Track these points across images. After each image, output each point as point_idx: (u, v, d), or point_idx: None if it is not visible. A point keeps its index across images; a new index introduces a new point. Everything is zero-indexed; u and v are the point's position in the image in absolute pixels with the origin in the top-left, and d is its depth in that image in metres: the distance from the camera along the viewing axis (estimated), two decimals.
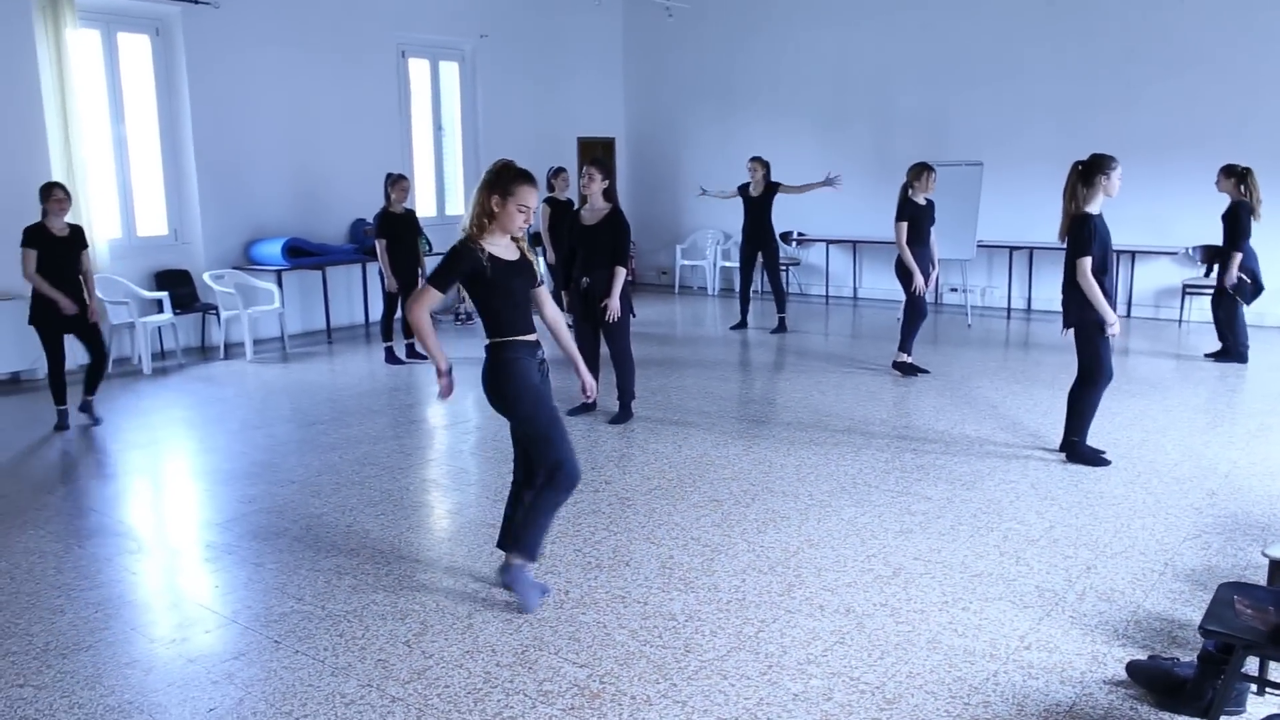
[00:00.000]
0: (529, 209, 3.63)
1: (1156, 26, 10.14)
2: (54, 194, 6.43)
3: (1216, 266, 8.39)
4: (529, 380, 3.70)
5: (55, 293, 6.37)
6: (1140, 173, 9.73)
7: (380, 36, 10.70)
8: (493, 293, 3.64)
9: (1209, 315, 9.74)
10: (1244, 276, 8.10)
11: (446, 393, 3.72)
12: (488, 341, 3.73)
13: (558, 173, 9.35)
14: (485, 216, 3.60)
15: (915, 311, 7.76)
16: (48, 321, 6.47)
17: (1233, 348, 8.28)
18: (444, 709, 3.13)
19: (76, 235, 6.57)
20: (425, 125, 11.64)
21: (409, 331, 8.76)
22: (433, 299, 3.64)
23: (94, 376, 6.77)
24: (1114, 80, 10.41)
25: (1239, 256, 8.03)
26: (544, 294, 3.89)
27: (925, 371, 7.92)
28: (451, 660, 3.44)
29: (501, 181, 3.60)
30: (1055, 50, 10.69)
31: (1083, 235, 5.21)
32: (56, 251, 6.43)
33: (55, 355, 6.57)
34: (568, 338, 4.01)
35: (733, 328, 10.24)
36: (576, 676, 3.32)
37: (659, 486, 5.27)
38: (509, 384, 3.69)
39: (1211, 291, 8.50)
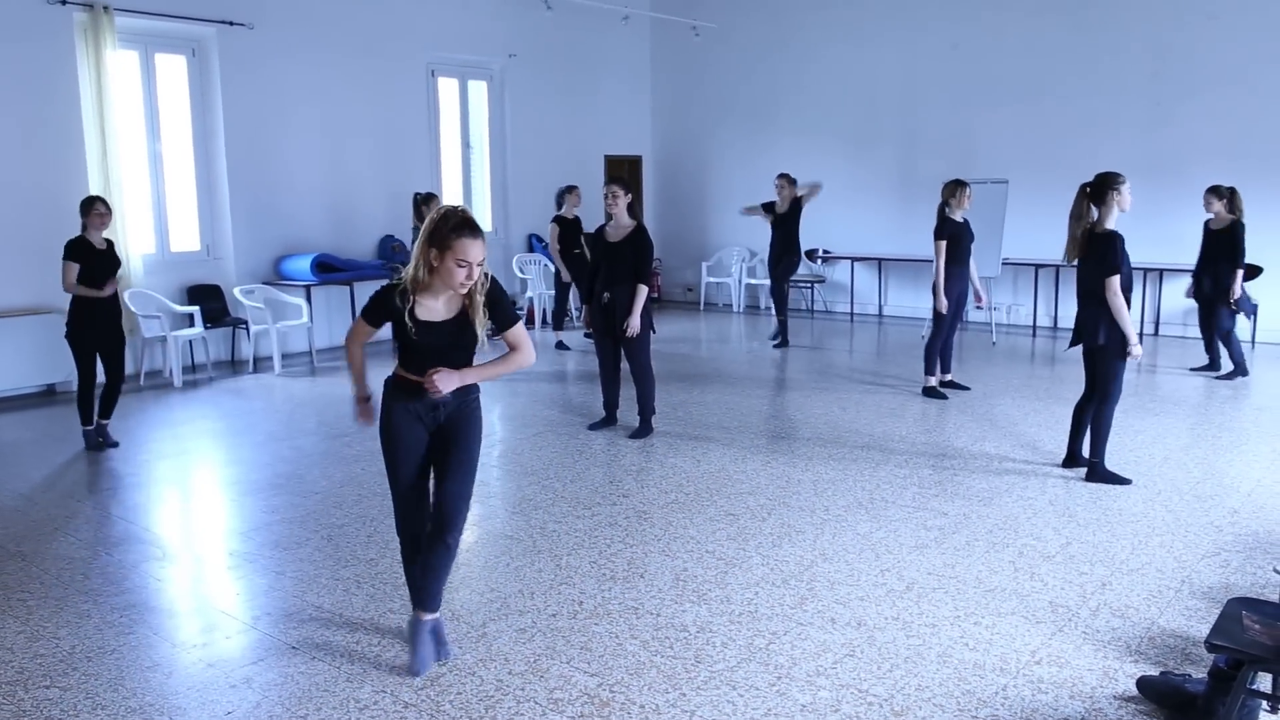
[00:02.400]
0: (469, 263, 3.21)
1: (1183, 45, 10.09)
2: (95, 208, 6.36)
3: (1198, 284, 8.48)
4: (392, 421, 3.45)
5: (94, 291, 6.33)
6: (1167, 191, 9.71)
7: (410, 56, 10.87)
8: (410, 346, 3.37)
9: (1240, 334, 9.70)
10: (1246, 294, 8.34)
11: (363, 417, 3.58)
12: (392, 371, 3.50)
13: (568, 190, 9.48)
14: (425, 270, 3.25)
15: (938, 333, 7.67)
16: (81, 338, 6.44)
17: (1239, 361, 8.36)
18: (456, 715, 3.18)
19: (112, 250, 6.53)
20: (454, 143, 11.80)
21: None
22: (364, 333, 3.48)
23: (109, 399, 6.63)
24: (1140, 99, 10.37)
25: (1241, 273, 8.22)
26: (514, 335, 3.49)
27: (956, 390, 7.86)
28: (464, 668, 3.49)
29: (438, 234, 3.20)
30: (1081, 69, 10.67)
31: (1111, 253, 5.18)
32: (96, 265, 6.38)
33: (87, 373, 6.48)
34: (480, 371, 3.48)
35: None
36: (587, 685, 3.36)
37: (676, 500, 5.30)
38: (381, 416, 3.51)
39: (1202, 310, 8.57)
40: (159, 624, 3.91)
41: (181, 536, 5.05)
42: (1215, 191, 8.34)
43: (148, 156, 9.18)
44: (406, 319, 3.31)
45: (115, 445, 6.61)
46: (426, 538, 3.48)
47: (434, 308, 3.35)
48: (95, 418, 6.58)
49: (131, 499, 5.59)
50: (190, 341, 9.10)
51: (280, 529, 4.97)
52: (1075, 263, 5.43)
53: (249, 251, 9.65)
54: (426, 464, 3.52)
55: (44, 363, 8.09)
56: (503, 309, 3.45)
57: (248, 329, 9.29)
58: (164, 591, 4.25)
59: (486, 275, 3.36)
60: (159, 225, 9.30)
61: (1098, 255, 5.24)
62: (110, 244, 6.58)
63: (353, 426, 7.05)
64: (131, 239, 8.65)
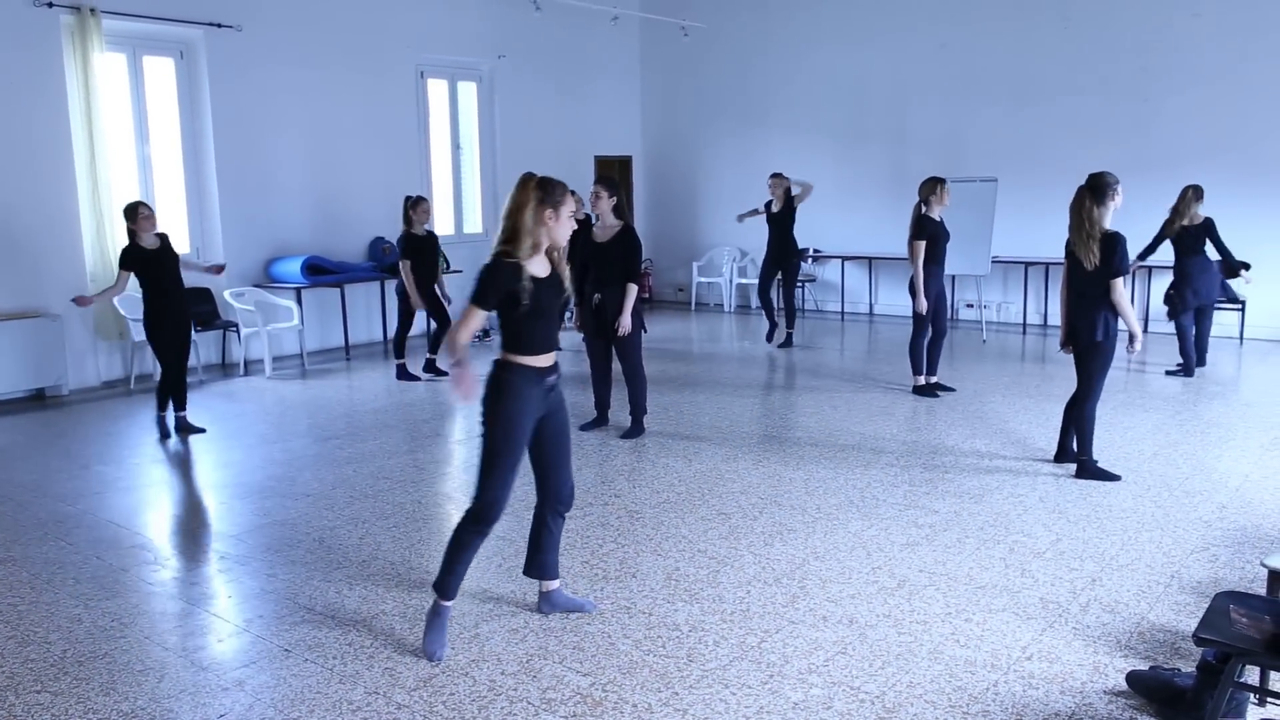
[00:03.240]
0: (574, 216, 3.67)
1: (1170, 43, 10.14)
2: (140, 211, 6.67)
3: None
4: (514, 409, 3.53)
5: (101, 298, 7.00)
6: (1155, 189, 9.71)
7: (399, 57, 10.86)
8: (529, 312, 3.51)
9: (1227, 330, 9.80)
10: (1171, 292, 8.40)
11: (463, 387, 3.48)
12: (500, 356, 3.58)
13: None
14: (540, 229, 3.51)
15: (919, 333, 7.65)
16: (159, 334, 6.78)
17: (1185, 359, 8.50)
18: (449, 716, 3.18)
19: (166, 246, 6.82)
20: (444, 144, 11.79)
21: (433, 347, 8.89)
22: (479, 320, 3.56)
23: (178, 392, 6.98)
24: (1129, 97, 10.42)
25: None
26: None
27: (950, 389, 7.88)
28: (457, 669, 3.49)
29: (552, 195, 3.53)
30: (1070, 67, 10.72)
31: (1119, 254, 5.24)
32: (152, 266, 6.72)
33: (166, 365, 6.90)
34: None
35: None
36: (580, 685, 3.36)
37: (668, 500, 5.31)
38: (497, 402, 3.53)
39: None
40: (150, 628, 3.90)
41: (173, 540, 5.03)
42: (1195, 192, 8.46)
43: (136, 159, 9.15)
44: (529, 284, 3.47)
45: (202, 430, 7.04)
46: (551, 517, 3.85)
47: (539, 269, 3.59)
48: (171, 409, 6.95)
49: (123, 502, 5.58)
50: None
51: (272, 532, 4.96)
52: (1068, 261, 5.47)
53: (239, 254, 9.62)
54: None
55: (33, 367, 8.06)
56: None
57: (238, 331, 9.27)
58: (156, 595, 4.24)
59: None
60: None
61: (1103, 257, 5.27)
62: (163, 240, 6.85)
63: (344, 429, 7.05)
64: (120, 242, 8.59)
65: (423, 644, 3.63)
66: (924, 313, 7.52)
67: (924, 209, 7.47)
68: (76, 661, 3.61)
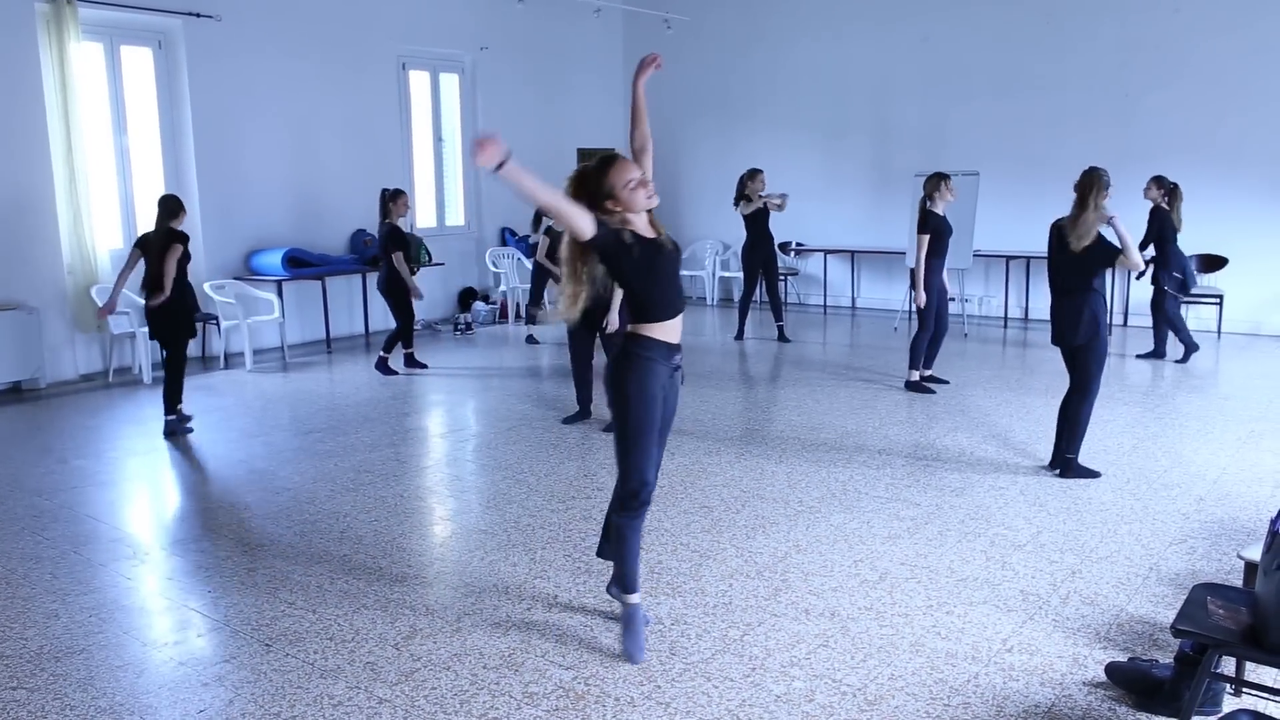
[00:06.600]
0: None
1: (1152, 38, 10.20)
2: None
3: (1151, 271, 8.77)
4: (647, 385, 3.39)
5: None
6: (1137, 183, 9.79)
7: (381, 49, 10.79)
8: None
9: (1205, 324, 9.90)
10: (1177, 275, 8.56)
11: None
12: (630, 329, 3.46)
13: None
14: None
15: (923, 328, 7.62)
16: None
17: (1159, 347, 8.81)
18: (430, 710, 3.17)
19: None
20: (425, 136, 11.73)
21: (408, 341, 8.86)
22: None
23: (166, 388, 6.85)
24: (1110, 91, 10.47)
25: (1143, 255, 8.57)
26: None
27: (942, 384, 7.85)
28: (439, 663, 3.48)
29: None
30: (1052, 62, 10.76)
31: (1113, 250, 5.27)
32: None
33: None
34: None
35: (735, 338, 10.28)
36: (562, 678, 3.36)
37: None
38: (628, 382, 3.39)
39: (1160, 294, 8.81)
40: (129, 623, 3.87)
41: (151, 534, 4.99)
42: (1157, 181, 8.67)
43: (114, 150, 9.06)
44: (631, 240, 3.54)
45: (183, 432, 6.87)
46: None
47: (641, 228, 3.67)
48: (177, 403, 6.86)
49: (101, 497, 5.53)
50: None
51: (252, 525, 4.93)
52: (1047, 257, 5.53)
53: (219, 246, 9.54)
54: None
55: (10, 359, 7.97)
56: None
57: (218, 324, 9.20)
58: (134, 590, 4.21)
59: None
60: (126, 220, 9.18)
61: (1100, 251, 5.26)
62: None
63: (325, 423, 7.01)
64: (98, 234, 8.55)
65: (623, 648, 3.50)
66: (923, 305, 7.48)
67: (929, 204, 7.44)
68: (53, 657, 3.58)
